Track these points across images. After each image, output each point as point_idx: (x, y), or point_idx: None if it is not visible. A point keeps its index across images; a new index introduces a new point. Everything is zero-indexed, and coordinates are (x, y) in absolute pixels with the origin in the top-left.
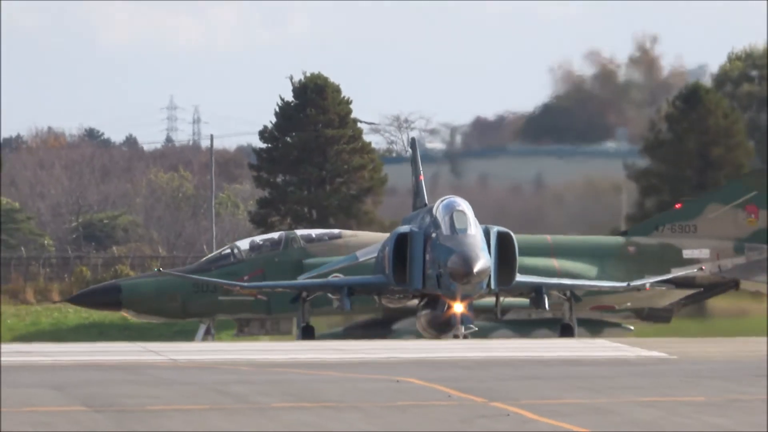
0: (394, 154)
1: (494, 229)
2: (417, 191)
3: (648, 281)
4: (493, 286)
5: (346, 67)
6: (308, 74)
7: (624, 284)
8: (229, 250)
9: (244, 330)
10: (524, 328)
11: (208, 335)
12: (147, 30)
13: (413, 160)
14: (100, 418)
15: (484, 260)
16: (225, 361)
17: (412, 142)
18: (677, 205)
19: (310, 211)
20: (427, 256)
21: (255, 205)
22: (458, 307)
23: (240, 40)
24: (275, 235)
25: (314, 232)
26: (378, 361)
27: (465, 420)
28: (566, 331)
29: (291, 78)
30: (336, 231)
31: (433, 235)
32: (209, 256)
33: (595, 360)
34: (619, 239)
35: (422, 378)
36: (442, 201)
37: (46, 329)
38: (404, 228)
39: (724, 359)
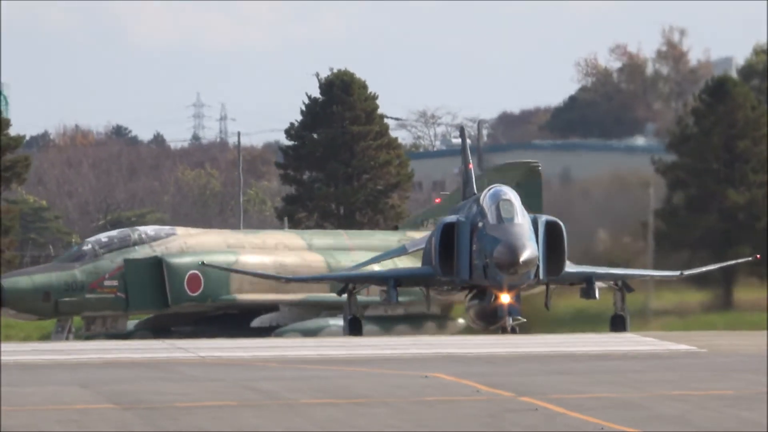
0: (420, 150)
1: (542, 219)
2: (466, 180)
3: (702, 269)
4: (541, 276)
5: (372, 63)
6: (334, 71)
7: (677, 273)
8: (87, 246)
9: (90, 328)
10: (386, 323)
11: (61, 334)
12: (174, 28)
13: (462, 149)
14: (128, 415)
15: (530, 250)
16: (253, 357)
17: (461, 131)
18: (437, 200)
19: (337, 208)
20: (474, 247)
21: (282, 202)
22: (505, 298)
23: (266, 38)
24: (116, 232)
25: (150, 229)
26: (406, 356)
27: (493, 415)
28: (618, 323)
29: (317, 75)
30: (169, 228)
31: (480, 224)
32: (69, 252)
33: (623, 354)
34: (399, 234)
35: (451, 373)
36: (488, 190)
37: (77, 326)
38: (451, 218)
39: (753, 353)
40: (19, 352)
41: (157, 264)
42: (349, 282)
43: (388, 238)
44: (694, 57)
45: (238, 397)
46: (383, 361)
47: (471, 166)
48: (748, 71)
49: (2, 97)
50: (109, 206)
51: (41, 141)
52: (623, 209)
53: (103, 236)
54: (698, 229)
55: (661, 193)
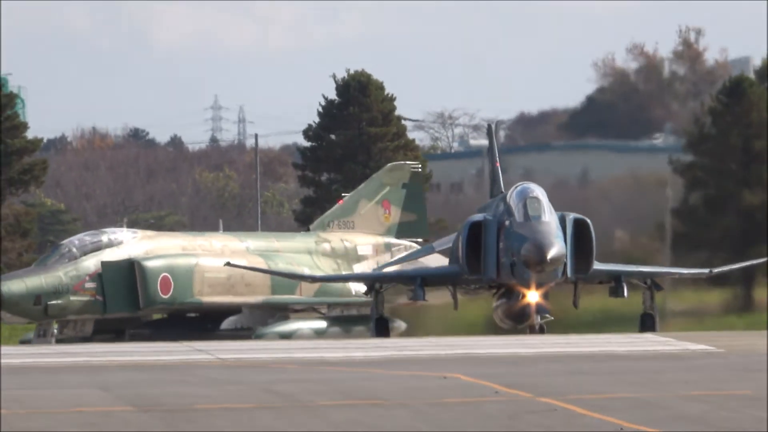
0: (438, 151)
1: (570, 216)
2: (494, 178)
3: (730, 267)
4: (569, 274)
5: (389, 64)
6: (351, 72)
7: (706, 271)
8: (65, 248)
9: (63, 331)
10: (344, 323)
11: (44, 338)
12: (191, 31)
13: (489, 147)
14: (147, 418)
15: (558, 247)
16: (272, 360)
17: (489, 129)
18: (339, 201)
19: None
20: (501, 245)
21: (300, 204)
22: (533, 296)
23: (284, 40)
24: (88, 234)
25: (115, 231)
26: (425, 357)
27: (513, 415)
28: (647, 321)
29: (334, 76)
30: (130, 231)
31: (507, 222)
32: (49, 256)
33: (642, 354)
34: (312, 235)
35: (469, 374)
36: (515, 188)
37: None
38: (478, 216)
39: None
40: (38, 354)
41: (131, 267)
42: (375, 281)
43: (306, 240)
44: (711, 57)
45: (256, 399)
46: (402, 362)
47: (498, 164)
48: (765, 71)
49: (20, 101)
50: (127, 209)
51: (59, 144)
52: (641, 209)
53: (76, 239)
54: (716, 229)
55: (678, 193)
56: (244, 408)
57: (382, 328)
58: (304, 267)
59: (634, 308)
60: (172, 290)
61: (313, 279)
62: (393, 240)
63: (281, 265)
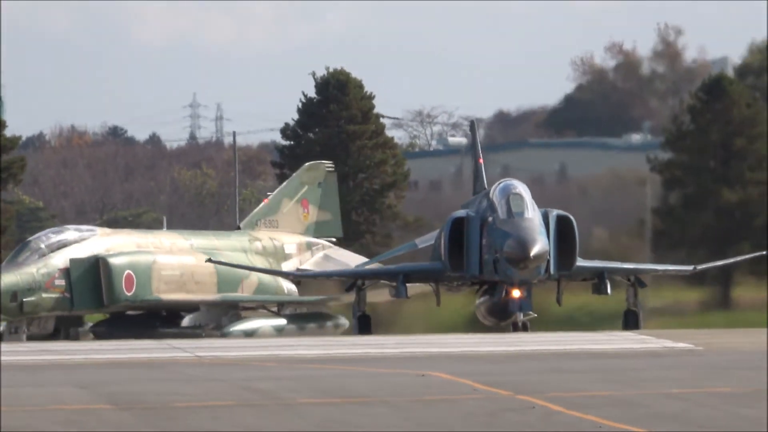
0: (416, 149)
1: (553, 213)
2: (477, 175)
3: (713, 264)
4: (552, 271)
5: (368, 62)
6: (330, 70)
7: (690, 268)
8: (36, 246)
9: (29, 329)
10: (299, 321)
11: (16, 335)
12: (169, 29)
13: (472, 144)
14: (126, 415)
15: (541, 244)
16: (251, 357)
17: (471, 125)
18: (264, 200)
19: None
20: (484, 241)
21: None
22: (516, 293)
23: (262, 38)
24: (53, 231)
25: (74, 228)
26: (404, 355)
27: (492, 413)
28: (631, 318)
29: (314, 74)
30: (88, 228)
31: (490, 219)
32: (18, 252)
33: (621, 352)
34: (245, 234)
35: (448, 372)
36: (498, 184)
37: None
38: (460, 212)
39: (751, 350)
40: (17, 352)
41: (97, 263)
42: (358, 278)
43: (240, 239)
44: (690, 56)
45: (236, 397)
46: (381, 360)
47: (481, 160)
48: (744, 70)
49: None
50: (105, 206)
51: (37, 142)
52: (620, 207)
53: (43, 235)
54: (695, 227)
55: (657, 191)
56: (223, 405)
57: (364, 325)
58: (219, 266)
59: (619, 305)
60: (134, 287)
61: (294, 276)
62: (312, 239)
63: (219, 265)
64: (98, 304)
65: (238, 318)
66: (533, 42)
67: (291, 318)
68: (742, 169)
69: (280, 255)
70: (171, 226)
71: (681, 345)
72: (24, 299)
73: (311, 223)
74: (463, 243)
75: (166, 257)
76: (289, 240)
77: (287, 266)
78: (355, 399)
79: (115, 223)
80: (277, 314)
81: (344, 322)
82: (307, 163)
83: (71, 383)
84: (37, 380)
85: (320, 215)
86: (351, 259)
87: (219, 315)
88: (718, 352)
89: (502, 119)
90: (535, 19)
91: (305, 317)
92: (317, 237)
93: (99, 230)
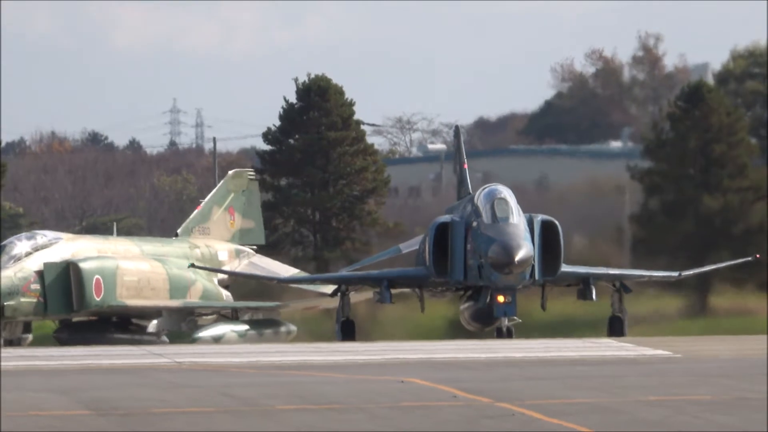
0: (396, 156)
1: (538, 218)
2: (461, 180)
3: (699, 270)
4: (537, 276)
5: (348, 68)
6: (312, 76)
7: (675, 274)
8: (10, 249)
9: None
10: (258, 327)
11: None
12: (150, 34)
13: (456, 148)
14: (104, 421)
15: (526, 249)
16: (230, 363)
17: (456, 130)
18: (198, 207)
19: (313, 213)
20: (469, 246)
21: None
22: (501, 298)
23: (242, 44)
24: (24, 236)
25: (42, 234)
26: (383, 362)
27: (471, 420)
28: (615, 324)
29: (296, 80)
30: (53, 234)
31: (475, 224)
32: None
33: (600, 359)
34: (183, 241)
35: (427, 379)
36: (483, 189)
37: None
38: (444, 217)
39: (730, 357)
40: None
41: (68, 268)
42: (342, 283)
43: (182, 246)
44: (670, 62)
45: (214, 403)
46: (360, 366)
47: (466, 165)
48: (724, 77)
49: None
50: (85, 212)
51: (17, 148)
52: (600, 215)
53: (16, 239)
54: (675, 235)
55: (637, 198)
56: (201, 412)
57: (348, 331)
58: (187, 271)
59: (604, 311)
60: (102, 293)
61: (279, 281)
62: (240, 247)
63: (175, 271)
64: (69, 309)
65: (195, 324)
66: (513, 48)
67: (250, 324)
68: (722, 176)
69: (215, 262)
70: (152, 233)
71: (660, 352)
72: (5, 303)
73: (236, 230)
74: (447, 248)
75: (127, 263)
76: (222, 247)
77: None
78: (334, 406)
79: (95, 229)
80: (238, 320)
81: (293, 328)
82: (231, 171)
83: (51, 389)
84: (18, 385)
85: (244, 223)
86: (276, 267)
87: (179, 321)
88: (697, 360)
89: (482, 126)
90: (515, 26)
91: (262, 323)
92: (241, 244)
93: (64, 235)
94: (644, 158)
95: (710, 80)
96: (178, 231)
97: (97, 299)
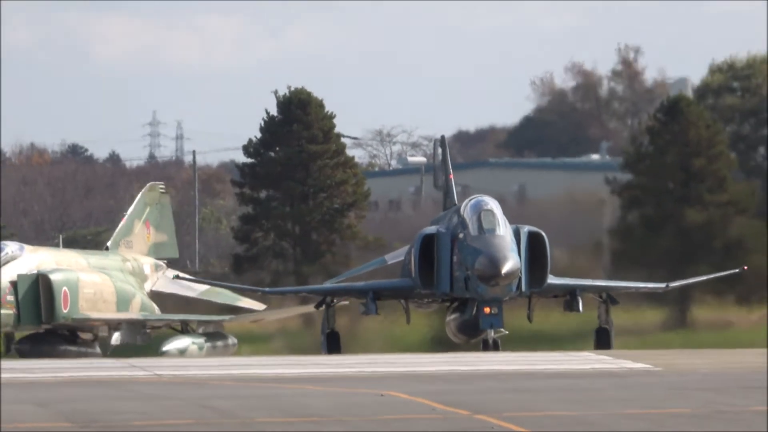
0: (376, 168)
1: (525, 229)
2: (447, 191)
3: (687, 282)
4: (524, 288)
5: (328, 81)
6: (292, 89)
7: (663, 285)
8: None
9: None
10: (211, 339)
11: None
12: (130, 46)
13: (443, 159)
14: None
15: (513, 261)
16: (210, 376)
17: (442, 140)
18: (123, 219)
19: (293, 227)
20: (455, 258)
21: (238, 221)
22: (487, 310)
23: (222, 56)
24: None
25: (5, 245)
26: (361, 375)
27: None
28: (602, 336)
29: (276, 93)
30: (18, 246)
31: (461, 235)
32: None
33: (580, 372)
34: (115, 254)
35: (407, 392)
36: (469, 200)
37: None
38: (430, 229)
39: (710, 371)
40: None
41: (40, 280)
42: (327, 295)
43: (115, 259)
44: (650, 76)
45: (194, 416)
46: (339, 379)
47: (451, 176)
48: (703, 91)
49: None
50: (64, 224)
51: None
52: (579, 228)
53: None
54: (654, 248)
55: (616, 212)
56: (181, 424)
57: (333, 343)
58: (127, 284)
59: (591, 322)
60: (69, 305)
61: (263, 292)
62: (157, 261)
63: (118, 282)
64: (38, 320)
65: (149, 337)
66: (493, 62)
67: (205, 337)
68: (702, 190)
69: (142, 275)
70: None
71: (639, 365)
72: None
73: (152, 243)
74: (433, 259)
75: (84, 275)
76: (145, 261)
77: (147, 286)
78: (313, 418)
79: (74, 242)
80: (193, 333)
81: (235, 341)
82: (148, 184)
83: (29, 401)
84: None
85: (158, 237)
86: (188, 282)
87: (135, 334)
88: (677, 373)
89: (461, 139)
90: (495, 39)
91: (213, 336)
92: (157, 258)
93: (27, 247)
94: (623, 172)
95: (689, 94)
96: (108, 244)
97: (65, 311)
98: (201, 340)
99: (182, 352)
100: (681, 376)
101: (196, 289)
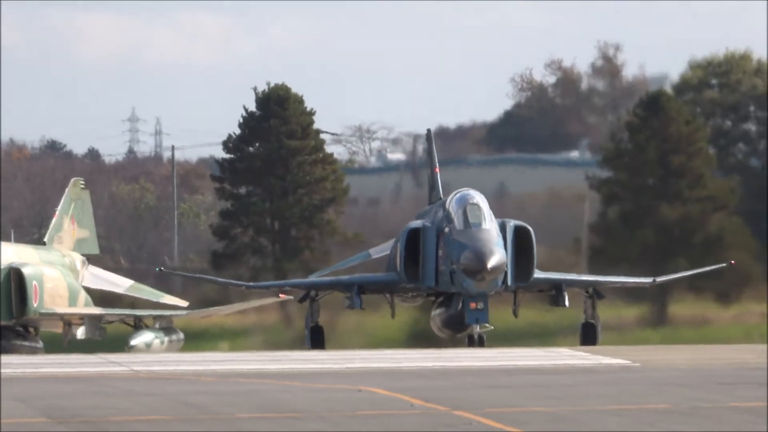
0: (356, 165)
1: (511, 224)
2: (432, 184)
3: (674, 276)
4: (509, 283)
5: (308, 77)
6: (271, 85)
7: (649, 280)
8: None
9: None
10: (168, 333)
11: None
12: (108, 42)
13: (429, 152)
14: (62, 429)
15: (498, 256)
16: (188, 372)
17: (428, 134)
18: (54, 215)
19: (272, 223)
20: (440, 252)
21: (217, 217)
22: (473, 305)
23: (202, 52)
24: None
25: None
26: (340, 370)
27: (428, 429)
28: (588, 331)
29: (255, 89)
30: None
31: (446, 229)
32: None
33: (557, 368)
34: (56, 250)
35: (385, 387)
36: (455, 194)
37: None
38: (416, 223)
39: (688, 367)
40: None
41: (12, 274)
42: (311, 289)
43: (57, 254)
44: (630, 72)
45: (172, 411)
46: (317, 374)
47: (437, 170)
48: (682, 87)
49: None
50: (43, 220)
51: None
52: (559, 224)
53: None
54: (634, 244)
55: (596, 208)
56: (160, 420)
57: (317, 337)
58: (72, 279)
59: (575, 318)
60: (38, 299)
61: (247, 287)
62: (82, 257)
63: (68, 278)
64: (10, 315)
65: (105, 332)
66: (473, 58)
67: (162, 331)
68: (681, 186)
69: (76, 271)
70: (110, 242)
71: (617, 361)
72: None
73: (76, 239)
74: (418, 254)
75: (46, 270)
76: (76, 256)
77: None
78: (292, 414)
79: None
80: (149, 328)
81: (183, 336)
82: (72, 179)
83: (8, 397)
84: None
85: (80, 232)
86: (113, 278)
87: (94, 329)
88: (654, 369)
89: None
90: (475, 36)
91: (167, 331)
92: (80, 254)
93: None
94: (602, 168)
95: (669, 90)
96: (45, 239)
97: (35, 306)
98: (162, 334)
99: (148, 347)
100: (658, 372)
101: (121, 285)
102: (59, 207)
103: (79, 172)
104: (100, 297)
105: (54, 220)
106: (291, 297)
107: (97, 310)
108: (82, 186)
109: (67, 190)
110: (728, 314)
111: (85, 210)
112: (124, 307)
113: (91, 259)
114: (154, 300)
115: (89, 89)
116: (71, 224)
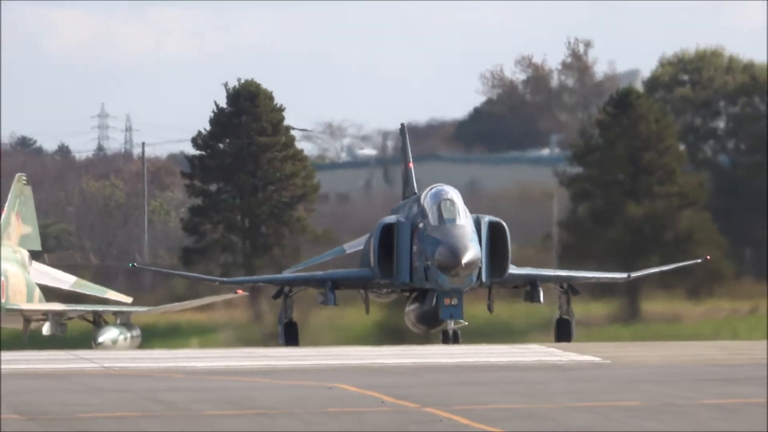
0: (326, 161)
1: (485, 219)
2: (406, 179)
3: (648, 271)
4: (484, 278)
5: (278, 72)
6: (242, 81)
7: (624, 275)
8: None
9: None
10: (130, 329)
11: None
12: (78, 37)
13: (402, 147)
14: (32, 425)
15: (473, 251)
16: (158, 368)
17: (402, 128)
18: (2, 212)
19: (242, 219)
20: (415, 248)
21: (187, 213)
22: (447, 301)
23: (171, 48)
24: None
25: None
26: (311, 367)
27: (398, 426)
28: (563, 326)
29: (226, 85)
30: None
31: (421, 225)
32: None
33: (528, 365)
34: (9, 247)
35: (355, 384)
36: (430, 190)
37: None
38: (390, 218)
39: (659, 364)
40: None
41: None
42: (285, 285)
43: (11, 252)
44: (600, 69)
45: (141, 408)
46: (287, 371)
47: (411, 165)
48: (653, 84)
49: None
50: None
51: None
52: (528, 221)
53: None
54: (604, 241)
55: (565, 205)
56: (128, 416)
57: (291, 334)
58: (27, 275)
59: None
60: (5, 296)
61: (221, 282)
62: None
63: (25, 273)
64: None
65: (65, 328)
66: (443, 54)
67: (125, 328)
68: (651, 182)
69: (26, 267)
70: (80, 239)
71: (588, 358)
72: None
73: (20, 235)
74: (392, 249)
75: (8, 266)
76: (24, 253)
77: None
78: (262, 411)
79: None
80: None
81: (140, 332)
82: (16, 175)
83: None
84: None
85: (24, 228)
86: (57, 274)
87: (57, 325)
88: (625, 366)
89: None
90: (444, 32)
91: (129, 326)
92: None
93: None
94: (572, 164)
95: (640, 87)
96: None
97: (2, 302)
98: (125, 330)
99: (115, 343)
100: (629, 369)
101: (66, 281)
102: (7, 203)
103: (49, 169)
104: (46, 293)
105: (3, 216)
106: (247, 294)
107: (60, 306)
108: (25, 182)
109: (12, 187)
110: (698, 310)
111: (28, 206)
112: (72, 302)
113: (33, 255)
114: (99, 295)
115: (59, 85)
116: (17, 220)
